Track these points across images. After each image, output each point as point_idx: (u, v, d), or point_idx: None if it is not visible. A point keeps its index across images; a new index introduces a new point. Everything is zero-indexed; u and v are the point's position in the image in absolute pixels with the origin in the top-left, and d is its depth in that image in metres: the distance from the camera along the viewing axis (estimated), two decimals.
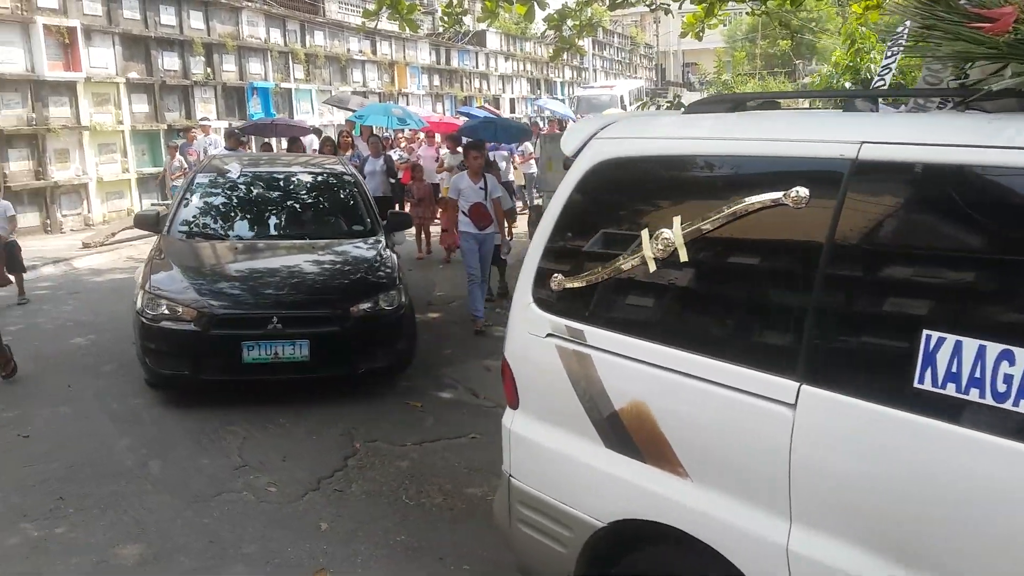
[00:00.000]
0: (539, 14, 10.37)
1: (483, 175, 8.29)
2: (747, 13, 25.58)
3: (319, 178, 8.11)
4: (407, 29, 10.46)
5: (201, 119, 17.03)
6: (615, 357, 2.71)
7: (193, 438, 5.49)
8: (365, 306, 6.22)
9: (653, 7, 12.60)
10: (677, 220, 2.56)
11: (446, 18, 10.22)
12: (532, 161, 17.08)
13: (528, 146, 17.50)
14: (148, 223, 7.24)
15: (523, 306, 3.07)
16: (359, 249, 7.11)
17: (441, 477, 4.98)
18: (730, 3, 11.92)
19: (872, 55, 18.96)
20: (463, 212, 8.21)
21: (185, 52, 17.64)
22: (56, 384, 6.56)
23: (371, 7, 10.42)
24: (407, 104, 25.15)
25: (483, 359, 7.30)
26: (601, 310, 2.82)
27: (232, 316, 5.97)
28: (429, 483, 4.89)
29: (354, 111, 17.35)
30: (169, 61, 17.30)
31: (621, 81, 43.03)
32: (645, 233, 2.63)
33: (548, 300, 2.97)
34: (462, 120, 18.21)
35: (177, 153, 14.74)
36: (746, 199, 2.41)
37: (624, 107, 31.45)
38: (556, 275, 2.93)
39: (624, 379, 2.69)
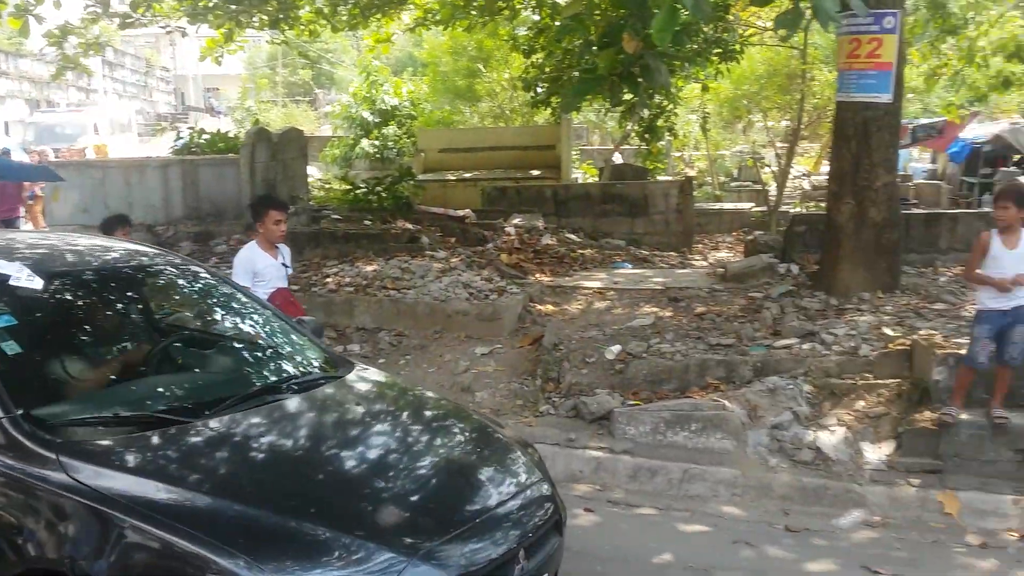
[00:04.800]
0: (37, 29, 9.32)
1: None
2: (267, 41, 25.74)
3: (162, 272, 4.43)
4: None
5: None
6: None
7: None
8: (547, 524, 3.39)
9: (168, 29, 12.07)
10: None
11: None
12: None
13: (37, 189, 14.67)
14: None
15: None
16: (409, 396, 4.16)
17: None
18: (249, 30, 11.89)
19: (385, 87, 20.31)
20: None
21: None
22: None
23: None
24: None
25: None
26: None
27: None
28: None
29: None
30: None
31: (98, 105, 36.96)
32: None
33: None
34: None
35: None
36: None
37: (97, 134, 26.88)
38: None
39: None
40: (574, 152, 19.36)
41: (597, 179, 17.11)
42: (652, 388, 6.26)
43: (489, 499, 3.29)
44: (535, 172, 15.14)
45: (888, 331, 6.42)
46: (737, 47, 12.87)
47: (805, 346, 6.37)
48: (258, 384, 3.81)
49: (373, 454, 3.46)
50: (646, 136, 15.54)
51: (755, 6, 8.90)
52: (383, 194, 12.33)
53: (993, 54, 13.06)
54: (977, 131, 17.14)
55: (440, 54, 22.41)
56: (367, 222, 10.66)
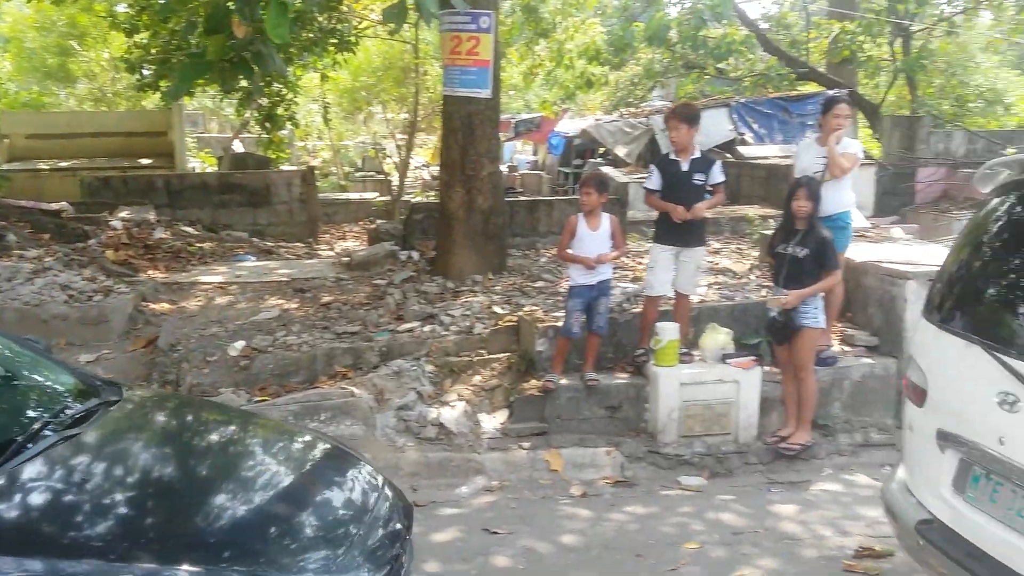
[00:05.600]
0: None
1: None
2: None
3: None
4: None
5: None
6: None
7: None
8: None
9: None
10: None
11: None
12: None
13: None
14: None
15: None
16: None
17: None
18: None
19: None
20: None
21: None
22: None
23: None
24: None
25: None
26: None
27: None
28: None
29: None
30: None
31: None
32: None
33: None
34: None
35: None
36: None
37: None
38: None
39: None
40: (190, 140, 18.34)
41: (216, 168, 16.37)
42: (280, 382, 6.16)
43: (357, 510, 3.03)
44: (145, 161, 14.09)
45: (498, 309, 6.96)
46: (352, 38, 13.03)
47: (426, 328, 6.68)
48: (34, 424, 2.99)
49: (208, 485, 3.00)
50: (266, 124, 15.16)
51: None
52: None
53: (578, 56, 14.66)
54: (569, 126, 19.12)
55: (24, 28, 19.94)
56: None
